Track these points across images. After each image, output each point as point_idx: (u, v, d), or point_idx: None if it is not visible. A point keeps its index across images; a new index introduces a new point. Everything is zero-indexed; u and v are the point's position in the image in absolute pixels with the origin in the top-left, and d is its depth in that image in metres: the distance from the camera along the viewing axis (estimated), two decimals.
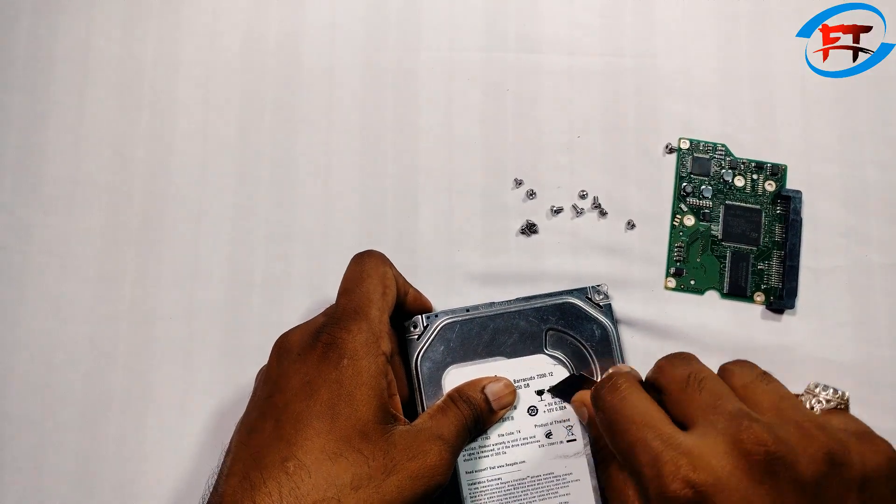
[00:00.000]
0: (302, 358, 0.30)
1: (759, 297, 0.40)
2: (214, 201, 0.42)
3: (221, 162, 0.42)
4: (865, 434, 0.28)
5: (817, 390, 0.30)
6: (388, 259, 0.35)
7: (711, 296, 0.40)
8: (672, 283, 0.40)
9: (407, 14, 0.44)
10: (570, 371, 0.37)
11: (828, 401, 0.29)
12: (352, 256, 0.35)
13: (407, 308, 0.37)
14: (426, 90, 0.43)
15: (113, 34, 0.44)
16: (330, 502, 0.27)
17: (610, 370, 0.34)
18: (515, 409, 0.37)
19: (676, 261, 0.41)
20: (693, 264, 0.41)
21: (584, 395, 0.35)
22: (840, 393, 0.30)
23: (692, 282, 0.40)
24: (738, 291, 0.40)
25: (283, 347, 0.32)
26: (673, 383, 0.30)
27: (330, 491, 0.27)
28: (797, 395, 0.30)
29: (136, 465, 0.39)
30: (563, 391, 0.37)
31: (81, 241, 0.41)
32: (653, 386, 0.31)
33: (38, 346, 0.40)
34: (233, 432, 0.31)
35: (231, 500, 0.27)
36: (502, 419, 0.37)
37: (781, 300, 0.39)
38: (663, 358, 0.32)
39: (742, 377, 0.30)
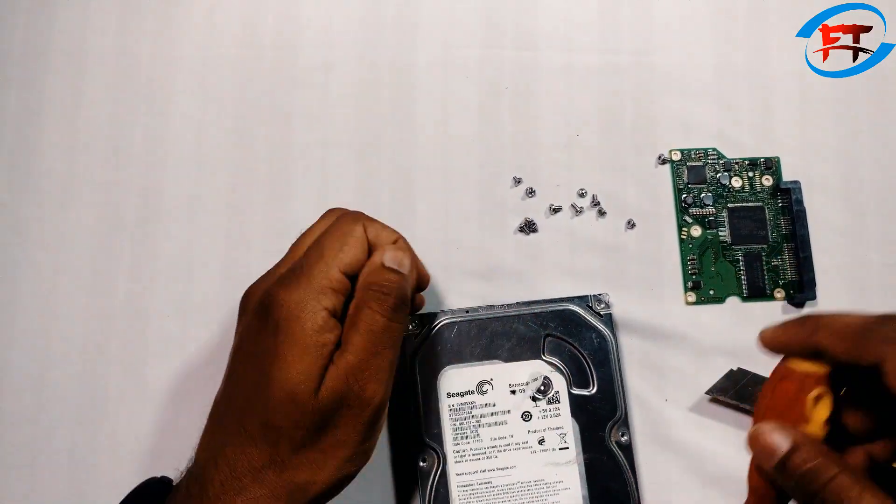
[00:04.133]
0: (246, 320, 0.31)
1: (780, 293, 0.40)
2: (210, 198, 0.41)
3: (217, 158, 0.42)
4: None
5: None
6: (365, 218, 0.33)
7: (733, 302, 0.40)
8: (692, 297, 0.40)
9: (404, 11, 0.43)
10: (565, 377, 0.37)
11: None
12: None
13: None
14: (423, 87, 0.43)
15: (109, 29, 0.43)
16: (273, 466, 0.29)
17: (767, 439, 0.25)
18: (509, 413, 0.37)
19: (692, 274, 0.40)
20: (708, 274, 0.40)
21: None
22: None
23: (711, 292, 0.40)
24: (757, 292, 0.40)
25: (242, 303, 0.33)
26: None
27: (269, 458, 0.29)
28: None
29: (130, 462, 0.39)
30: (723, 389, 0.37)
31: (76, 236, 0.41)
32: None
33: (33, 343, 0.40)
34: None
35: (202, 455, 0.30)
36: (497, 423, 0.37)
37: (802, 293, 0.39)
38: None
39: None
